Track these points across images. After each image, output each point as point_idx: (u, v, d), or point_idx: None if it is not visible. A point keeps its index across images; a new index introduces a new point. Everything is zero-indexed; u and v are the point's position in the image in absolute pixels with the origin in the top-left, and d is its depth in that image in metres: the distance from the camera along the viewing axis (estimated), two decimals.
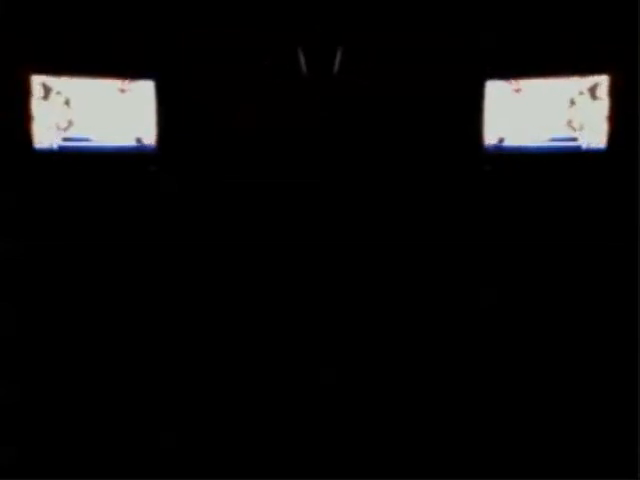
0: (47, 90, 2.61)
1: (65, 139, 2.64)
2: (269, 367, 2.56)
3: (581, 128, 2.62)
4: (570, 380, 2.56)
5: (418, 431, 2.53)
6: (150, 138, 2.68)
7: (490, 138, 2.65)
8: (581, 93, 2.60)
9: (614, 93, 2.59)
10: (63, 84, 2.61)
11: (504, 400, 2.56)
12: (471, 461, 2.46)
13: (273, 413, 2.53)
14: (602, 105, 2.60)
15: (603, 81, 2.59)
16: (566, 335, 2.60)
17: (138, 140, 2.67)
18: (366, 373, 2.57)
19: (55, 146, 2.64)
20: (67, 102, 2.62)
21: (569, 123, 2.62)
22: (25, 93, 2.59)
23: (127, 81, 2.64)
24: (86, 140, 2.65)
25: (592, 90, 2.60)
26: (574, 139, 2.63)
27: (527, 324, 2.60)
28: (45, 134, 2.63)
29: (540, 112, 2.63)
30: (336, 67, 2.34)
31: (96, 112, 2.64)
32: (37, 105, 2.60)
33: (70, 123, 2.64)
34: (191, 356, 2.59)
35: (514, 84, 2.61)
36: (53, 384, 2.55)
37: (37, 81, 2.60)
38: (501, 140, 2.65)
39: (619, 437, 2.45)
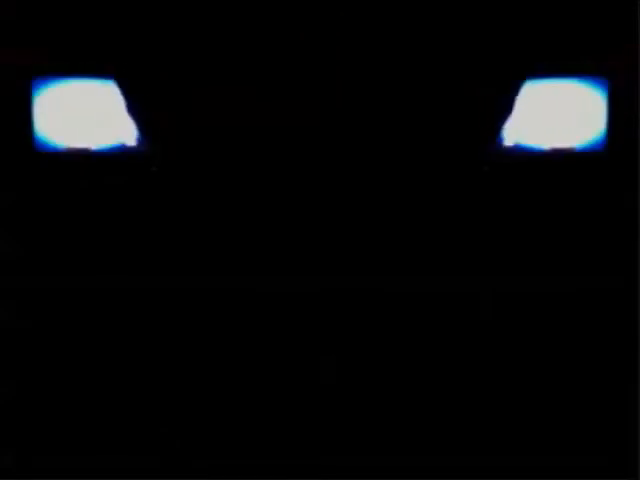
0: (47, 90, 2.62)
1: (65, 139, 2.65)
2: (268, 364, 2.57)
3: (580, 129, 2.63)
4: (570, 378, 2.57)
5: (419, 432, 2.54)
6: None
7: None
8: (581, 93, 2.61)
9: (614, 94, 2.59)
10: (63, 84, 2.62)
11: (504, 400, 2.56)
12: (471, 461, 2.47)
13: (272, 413, 2.54)
14: (602, 106, 2.61)
15: (603, 81, 2.60)
16: (567, 335, 2.60)
17: (139, 140, 2.68)
18: (366, 373, 2.57)
19: (55, 147, 2.65)
20: (68, 102, 2.63)
21: (568, 124, 2.63)
22: (25, 93, 2.60)
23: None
24: (87, 140, 2.66)
25: (592, 90, 2.60)
26: (574, 140, 2.64)
27: (527, 324, 2.61)
28: (45, 135, 2.64)
29: (539, 112, 2.63)
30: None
31: (97, 112, 2.65)
32: (37, 105, 2.61)
33: (71, 123, 2.65)
34: (192, 359, 2.60)
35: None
36: (52, 383, 2.56)
37: (37, 81, 2.61)
38: (500, 140, 2.65)
39: (619, 438, 2.45)
